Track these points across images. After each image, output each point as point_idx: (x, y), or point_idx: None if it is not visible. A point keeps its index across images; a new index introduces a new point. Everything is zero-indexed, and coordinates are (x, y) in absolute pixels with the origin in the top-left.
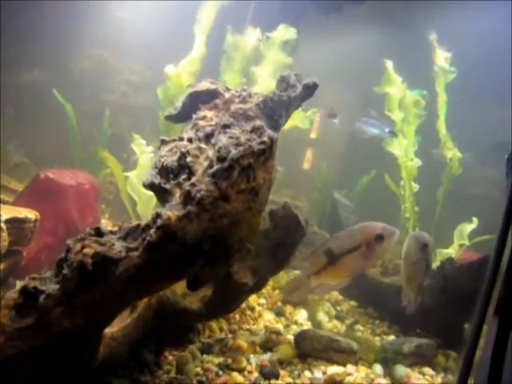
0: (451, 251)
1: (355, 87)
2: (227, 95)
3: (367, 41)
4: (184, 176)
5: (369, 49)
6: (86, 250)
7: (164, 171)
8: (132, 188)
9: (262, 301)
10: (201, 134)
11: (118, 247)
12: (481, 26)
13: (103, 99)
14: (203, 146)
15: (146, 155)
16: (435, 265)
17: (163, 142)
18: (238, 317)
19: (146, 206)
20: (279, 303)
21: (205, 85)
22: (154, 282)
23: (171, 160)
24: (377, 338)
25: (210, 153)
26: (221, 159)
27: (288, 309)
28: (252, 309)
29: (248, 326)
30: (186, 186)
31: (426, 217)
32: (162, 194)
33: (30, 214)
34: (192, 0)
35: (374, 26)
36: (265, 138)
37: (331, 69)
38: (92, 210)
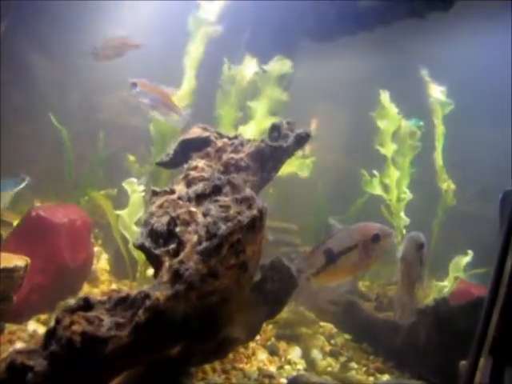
0: (446, 284)
1: (346, 109)
2: (219, 143)
3: (359, 66)
4: (173, 245)
5: (360, 74)
6: (75, 328)
7: (154, 234)
8: (124, 226)
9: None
10: (192, 194)
11: (107, 323)
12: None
13: (97, 117)
14: (193, 209)
15: (136, 194)
16: (430, 301)
17: (154, 194)
18: (231, 355)
19: None
20: (273, 339)
21: (196, 131)
22: (142, 356)
23: (161, 224)
24: (371, 379)
25: (200, 217)
26: (210, 236)
27: (282, 345)
28: (245, 346)
29: (241, 365)
30: (175, 263)
31: None
32: (152, 259)
33: (19, 261)
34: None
35: (366, 54)
36: (254, 211)
37: (322, 90)
38: (84, 245)
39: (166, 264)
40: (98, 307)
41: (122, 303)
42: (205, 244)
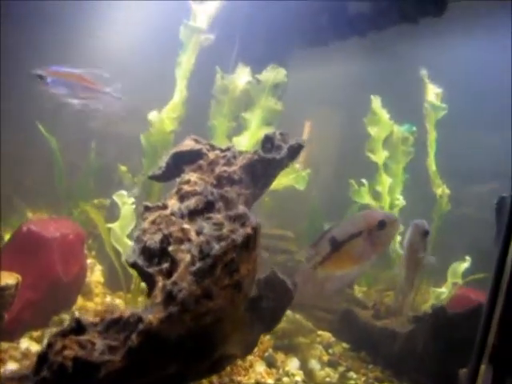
0: (444, 290)
1: (339, 114)
2: (211, 156)
3: (351, 71)
4: (166, 265)
5: (353, 79)
6: (67, 353)
7: (147, 252)
8: (116, 239)
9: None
10: (184, 210)
11: (100, 347)
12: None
13: (88, 126)
14: (186, 226)
15: (127, 207)
16: (428, 307)
17: (147, 209)
18: (228, 368)
19: None
20: (270, 350)
21: (189, 144)
22: (136, 380)
23: (154, 242)
24: None
25: (194, 235)
26: (203, 256)
27: (279, 356)
28: (243, 358)
29: (239, 378)
30: (168, 284)
31: None
32: (145, 277)
33: (10, 279)
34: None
35: (358, 58)
36: (248, 230)
37: (314, 95)
38: (77, 259)
39: (160, 284)
40: (91, 329)
41: (114, 325)
42: (198, 264)
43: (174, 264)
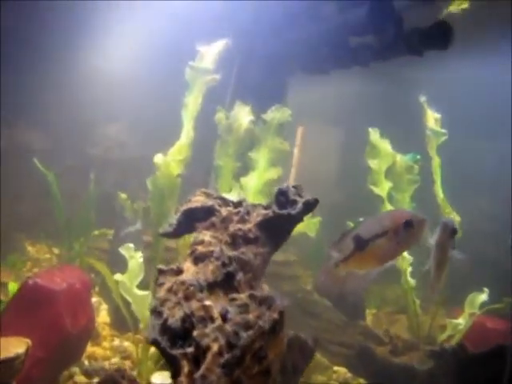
0: (461, 321)
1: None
2: (224, 212)
3: (353, 93)
4: (191, 349)
5: (354, 101)
6: None
7: (168, 331)
8: (125, 290)
9: None
10: (203, 282)
11: None
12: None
13: (87, 153)
14: (208, 303)
15: (135, 260)
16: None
17: (161, 272)
18: None
19: (141, 305)
20: None
21: (199, 200)
22: None
23: (175, 320)
24: None
25: (216, 314)
26: (231, 346)
27: None
28: None
29: None
30: (197, 378)
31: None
32: (168, 357)
33: (19, 346)
34: None
35: (361, 80)
36: (275, 315)
37: (315, 114)
38: (85, 309)
39: (185, 369)
40: None
41: None
42: (227, 356)
43: (200, 349)
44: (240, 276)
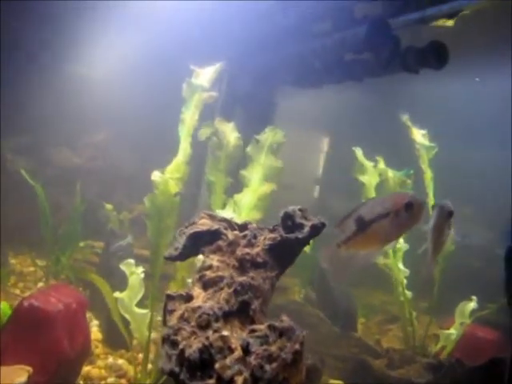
0: (453, 331)
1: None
2: (230, 236)
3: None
4: (212, 381)
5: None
6: None
7: (186, 362)
8: (124, 308)
9: None
10: (218, 312)
11: None
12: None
13: (71, 162)
14: (226, 333)
15: (135, 276)
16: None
17: (170, 298)
18: None
19: (140, 324)
20: None
21: (205, 223)
22: None
23: (193, 351)
24: None
25: (235, 343)
26: (256, 379)
27: None
28: None
29: None
30: None
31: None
32: None
33: (21, 375)
34: None
35: (352, 92)
36: (296, 346)
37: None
38: (81, 328)
39: None
40: None
41: None
42: None
43: (221, 381)
44: (255, 305)
